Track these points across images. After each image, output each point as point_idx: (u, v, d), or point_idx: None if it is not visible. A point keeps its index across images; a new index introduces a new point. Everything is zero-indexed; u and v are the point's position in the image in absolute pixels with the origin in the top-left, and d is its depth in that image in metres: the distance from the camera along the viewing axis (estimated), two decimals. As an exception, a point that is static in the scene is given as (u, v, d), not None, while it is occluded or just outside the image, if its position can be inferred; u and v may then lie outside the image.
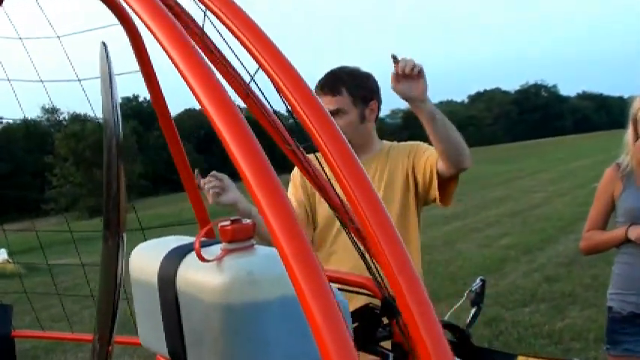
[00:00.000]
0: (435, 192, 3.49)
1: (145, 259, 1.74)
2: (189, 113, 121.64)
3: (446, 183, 3.49)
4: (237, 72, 1.57)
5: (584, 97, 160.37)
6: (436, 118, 3.25)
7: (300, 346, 1.44)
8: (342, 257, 3.44)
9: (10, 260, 12.50)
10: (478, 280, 2.84)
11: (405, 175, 3.56)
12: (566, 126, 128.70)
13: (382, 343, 1.76)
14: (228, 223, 1.56)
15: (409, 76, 3.14)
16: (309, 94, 1.09)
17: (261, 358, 1.48)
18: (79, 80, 2.53)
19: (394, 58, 3.17)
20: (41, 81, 2.83)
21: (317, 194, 3.39)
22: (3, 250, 13.31)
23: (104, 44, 1.72)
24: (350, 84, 3.48)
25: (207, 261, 1.50)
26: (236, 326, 1.47)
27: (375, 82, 3.65)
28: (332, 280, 1.69)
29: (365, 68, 3.69)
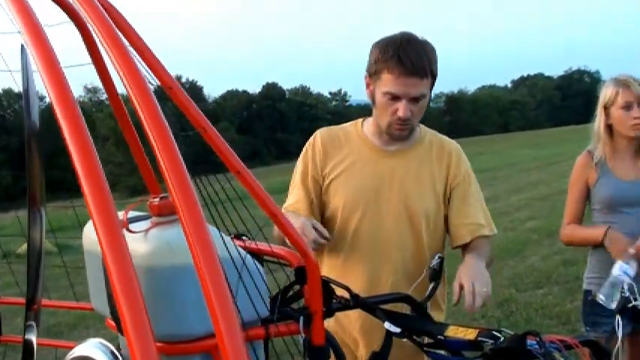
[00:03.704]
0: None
1: (93, 232, 1.97)
2: (231, 94, 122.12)
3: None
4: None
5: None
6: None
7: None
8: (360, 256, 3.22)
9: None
10: (437, 257, 2.92)
11: (435, 182, 3.29)
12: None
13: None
14: (156, 199, 1.78)
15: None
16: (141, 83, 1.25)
17: (179, 315, 1.70)
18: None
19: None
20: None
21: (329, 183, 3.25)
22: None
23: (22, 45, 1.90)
24: (434, 63, 3.10)
25: (134, 232, 1.73)
26: (158, 288, 1.69)
27: None
28: (255, 251, 1.90)
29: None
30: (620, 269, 3.77)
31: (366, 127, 3.35)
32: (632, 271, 3.76)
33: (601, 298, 3.82)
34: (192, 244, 1.11)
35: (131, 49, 1.57)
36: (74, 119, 1.09)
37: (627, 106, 4.02)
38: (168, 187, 1.15)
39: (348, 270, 3.15)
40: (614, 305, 3.73)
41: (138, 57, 1.57)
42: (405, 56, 2.99)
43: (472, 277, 2.77)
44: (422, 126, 3.37)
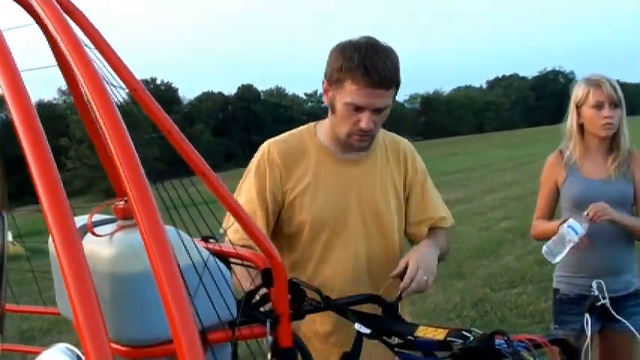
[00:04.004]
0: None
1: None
2: (206, 96, 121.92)
3: None
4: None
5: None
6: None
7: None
8: (337, 267, 3.14)
9: (14, 243, 12.68)
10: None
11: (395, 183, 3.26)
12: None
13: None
14: (122, 202, 1.76)
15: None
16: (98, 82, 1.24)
17: (145, 319, 1.69)
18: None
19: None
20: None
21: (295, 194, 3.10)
22: (8, 232, 13.47)
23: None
24: (399, 71, 2.99)
25: (99, 235, 1.71)
26: (123, 292, 1.68)
27: None
28: (222, 254, 1.89)
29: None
30: (569, 224, 3.87)
31: (321, 133, 3.20)
32: (580, 229, 3.84)
33: (545, 249, 3.92)
34: (149, 247, 1.10)
35: (95, 51, 1.56)
36: (30, 124, 1.08)
37: (598, 106, 4.06)
38: (125, 190, 1.14)
39: (318, 283, 2.95)
40: (557, 259, 3.94)
41: (102, 59, 1.56)
42: (372, 66, 2.86)
43: (419, 262, 2.87)
44: None
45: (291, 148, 3.16)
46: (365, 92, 2.88)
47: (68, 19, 1.40)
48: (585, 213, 3.88)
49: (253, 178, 3.12)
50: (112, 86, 1.46)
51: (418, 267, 2.83)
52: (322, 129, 3.20)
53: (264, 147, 3.18)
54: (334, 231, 3.12)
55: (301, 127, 3.30)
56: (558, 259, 3.92)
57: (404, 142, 3.36)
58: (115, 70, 1.60)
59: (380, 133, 3.21)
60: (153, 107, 1.58)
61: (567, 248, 3.87)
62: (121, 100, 1.48)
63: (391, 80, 2.91)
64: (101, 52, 1.61)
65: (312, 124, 3.28)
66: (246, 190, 3.12)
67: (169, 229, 1.56)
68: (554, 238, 3.89)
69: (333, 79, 2.96)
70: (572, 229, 3.83)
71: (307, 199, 3.09)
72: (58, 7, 1.36)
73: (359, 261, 3.15)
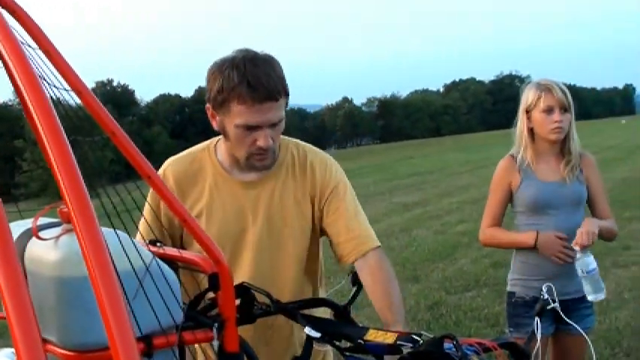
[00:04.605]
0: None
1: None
2: (163, 98, 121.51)
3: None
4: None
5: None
6: None
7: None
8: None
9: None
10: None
11: (303, 208, 3.04)
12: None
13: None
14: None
15: None
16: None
17: (89, 324, 1.66)
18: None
19: None
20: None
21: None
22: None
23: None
24: (284, 79, 2.80)
25: (44, 239, 1.68)
26: (67, 296, 1.65)
27: None
28: (169, 258, 1.87)
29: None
30: (590, 264, 3.91)
31: (220, 152, 3.03)
32: (593, 262, 3.92)
33: (592, 297, 3.98)
34: (85, 251, 1.09)
35: (39, 52, 1.54)
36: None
37: (548, 110, 4.10)
38: (61, 193, 1.12)
39: None
40: (603, 286, 4.00)
41: (46, 60, 1.54)
42: (255, 81, 2.65)
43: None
44: (282, 140, 3.03)
45: (187, 170, 3.01)
46: (254, 110, 2.69)
47: (10, 17, 1.38)
48: (579, 244, 3.91)
49: (150, 199, 2.83)
50: (54, 88, 1.44)
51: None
52: (221, 148, 3.02)
53: (160, 171, 3.00)
54: (233, 254, 2.95)
55: (203, 144, 3.13)
56: (603, 285, 4.04)
57: (316, 155, 3.08)
58: (59, 71, 1.58)
59: (290, 147, 3.06)
60: (97, 108, 1.56)
61: (599, 275, 3.98)
62: (62, 100, 1.45)
63: (279, 91, 2.71)
64: (45, 52, 1.58)
65: (214, 140, 3.09)
66: (146, 212, 2.87)
67: (110, 233, 1.54)
68: (587, 287, 3.95)
69: (218, 102, 2.76)
70: (594, 266, 3.92)
71: (203, 224, 2.89)
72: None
73: (262, 283, 3.03)
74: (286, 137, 3.07)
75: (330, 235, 2.99)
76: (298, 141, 3.12)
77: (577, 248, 3.89)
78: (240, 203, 2.95)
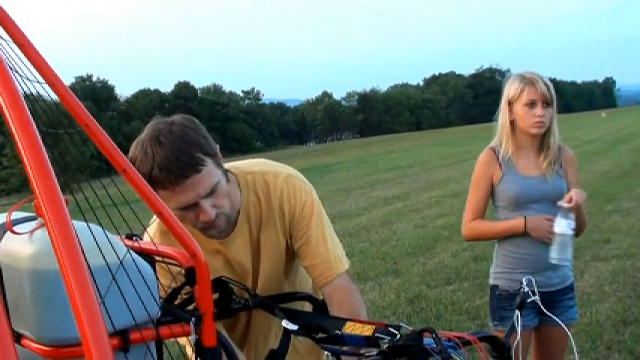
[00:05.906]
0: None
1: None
2: (143, 93, 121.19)
3: None
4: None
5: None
6: None
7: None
8: None
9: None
10: None
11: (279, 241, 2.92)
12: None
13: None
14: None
15: None
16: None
17: (65, 319, 1.64)
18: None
19: None
20: None
21: None
22: None
23: None
24: (203, 144, 2.55)
25: (18, 233, 1.67)
26: (43, 291, 1.63)
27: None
28: (145, 252, 1.85)
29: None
30: (566, 228, 3.96)
31: None
32: (571, 221, 3.97)
33: (556, 260, 4.02)
34: (55, 245, 1.07)
35: (12, 44, 1.52)
36: None
37: (531, 104, 4.09)
38: (31, 186, 1.11)
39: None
40: (570, 257, 4.05)
41: (19, 52, 1.52)
42: (165, 163, 2.43)
43: None
44: (240, 180, 2.85)
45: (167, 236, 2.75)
46: (178, 191, 2.49)
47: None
48: (564, 203, 3.95)
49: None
50: (27, 80, 1.42)
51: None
52: None
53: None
54: None
55: None
56: (571, 257, 4.06)
57: (279, 187, 2.86)
58: (33, 64, 1.56)
59: (249, 184, 2.85)
60: (70, 100, 1.54)
61: (571, 244, 4.02)
62: (34, 92, 1.44)
63: (196, 162, 2.48)
64: (19, 46, 1.57)
65: None
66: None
67: (83, 227, 1.53)
68: (554, 246, 3.96)
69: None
70: (568, 225, 3.95)
71: None
72: None
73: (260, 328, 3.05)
74: (242, 168, 2.90)
75: (301, 261, 2.90)
76: (255, 170, 2.90)
77: (565, 205, 3.94)
78: (216, 271, 2.69)
